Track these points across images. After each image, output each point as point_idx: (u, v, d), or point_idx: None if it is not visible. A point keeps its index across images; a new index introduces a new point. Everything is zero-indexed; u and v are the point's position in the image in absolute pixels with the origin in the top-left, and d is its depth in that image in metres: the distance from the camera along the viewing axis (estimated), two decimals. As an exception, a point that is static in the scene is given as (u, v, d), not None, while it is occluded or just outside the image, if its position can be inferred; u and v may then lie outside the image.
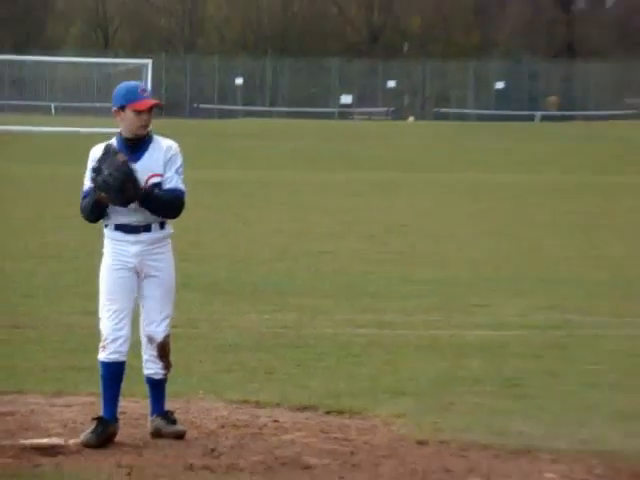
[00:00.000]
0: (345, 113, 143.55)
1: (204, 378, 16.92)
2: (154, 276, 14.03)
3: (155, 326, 13.97)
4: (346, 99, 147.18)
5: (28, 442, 13.80)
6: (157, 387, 14.11)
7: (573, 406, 16.19)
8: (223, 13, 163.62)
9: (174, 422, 14.04)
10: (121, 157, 13.67)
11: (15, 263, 28.30)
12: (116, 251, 13.93)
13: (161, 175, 13.76)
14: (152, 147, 13.95)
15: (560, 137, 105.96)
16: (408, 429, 14.78)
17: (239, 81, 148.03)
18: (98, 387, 13.90)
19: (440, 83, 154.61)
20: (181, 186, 13.83)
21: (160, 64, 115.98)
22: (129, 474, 12.84)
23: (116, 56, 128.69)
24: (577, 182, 57.38)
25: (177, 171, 13.89)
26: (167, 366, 14.04)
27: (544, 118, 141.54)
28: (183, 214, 13.91)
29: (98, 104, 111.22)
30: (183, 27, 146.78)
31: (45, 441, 13.82)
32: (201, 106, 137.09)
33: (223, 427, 14.67)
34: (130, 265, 13.92)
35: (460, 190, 51.10)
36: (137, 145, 13.90)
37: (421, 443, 14.20)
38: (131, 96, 14.01)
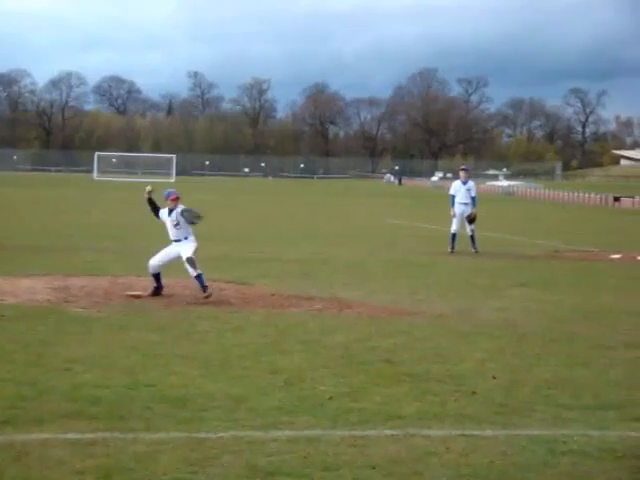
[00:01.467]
0: (247, 175, 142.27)
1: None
2: None
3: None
4: (246, 170, 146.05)
5: (129, 293, 13.69)
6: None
7: (328, 283, 16.23)
8: (201, 137, 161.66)
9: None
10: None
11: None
12: None
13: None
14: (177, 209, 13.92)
15: (323, 185, 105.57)
16: (269, 290, 14.76)
17: (207, 162, 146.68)
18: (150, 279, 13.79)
19: (281, 164, 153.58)
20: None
21: (179, 157, 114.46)
22: (165, 305, 12.79)
23: (162, 153, 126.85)
24: (329, 200, 57.15)
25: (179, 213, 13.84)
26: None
27: (319, 178, 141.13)
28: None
29: (155, 171, 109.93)
30: (186, 153, 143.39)
31: (136, 293, 13.71)
32: (193, 172, 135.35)
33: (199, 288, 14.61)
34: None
35: (288, 202, 51.07)
36: (172, 209, 13.88)
37: (273, 295, 14.17)
38: (166, 195, 14.07)
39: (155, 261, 13.89)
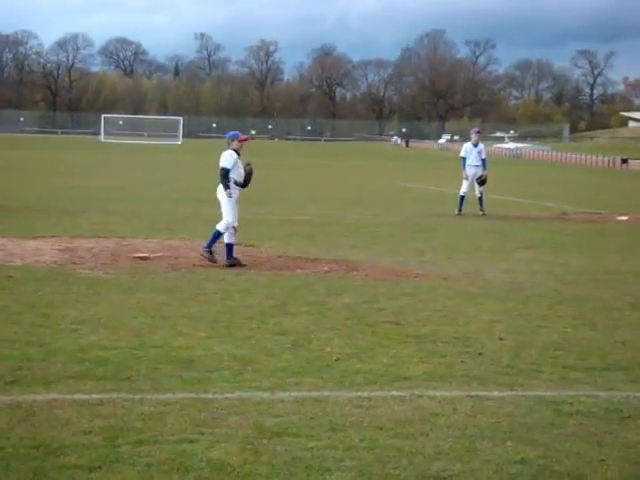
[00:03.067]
0: (254, 137, 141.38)
1: (200, 234, 16.69)
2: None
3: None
4: (253, 132, 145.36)
5: (136, 254, 13.68)
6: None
7: (335, 245, 16.19)
8: (208, 99, 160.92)
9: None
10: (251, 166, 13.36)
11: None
12: (235, 192, 13.14)
13: None
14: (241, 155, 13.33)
15: (329, 148, 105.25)
16: (276, 252, 14.74)
17: (214, 125, 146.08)
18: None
19: (288, 126, 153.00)
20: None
21: (185, 119, 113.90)
22: (172, 267, 12.78)
23: (168, 115, 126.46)
24: (336, 163, 56.98)
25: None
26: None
27: (325, 140, 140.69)
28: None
29: (162, 133, 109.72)
30: (193, 116, 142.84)
31: (141, 254, 13.70)
32: (200, 134, 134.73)
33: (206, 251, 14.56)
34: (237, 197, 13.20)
35: (295, 164, 50.93)
36: (239, 154, 13.22)
37: (280, 257, 14.15)
38: (236, 135, 13.43)
39: (235, 219, 13.24)
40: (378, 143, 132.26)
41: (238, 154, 13.30)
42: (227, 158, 13.16)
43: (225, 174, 13.11)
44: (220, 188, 13.27)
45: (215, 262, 13.00)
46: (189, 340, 8.38)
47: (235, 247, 13.40)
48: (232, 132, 13.75)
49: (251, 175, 13.44)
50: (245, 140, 13.48)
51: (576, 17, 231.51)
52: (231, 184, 13.15)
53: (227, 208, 13.19)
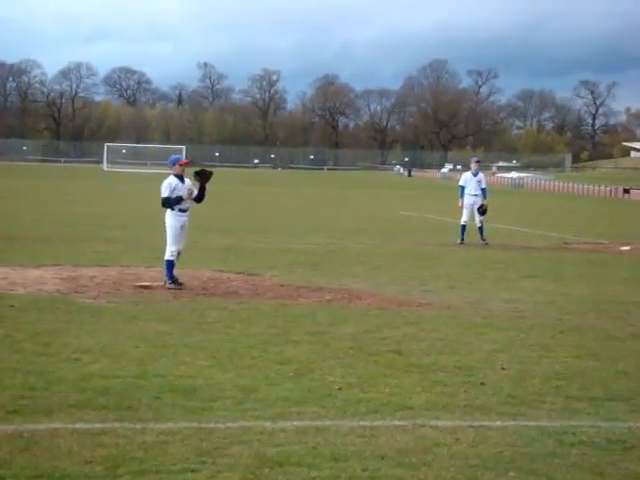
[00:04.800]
0: (256, 166, 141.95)
1: (202, 262, 16.73)
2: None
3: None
4: (256, 161, 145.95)
5: (138, 283, 13.66)
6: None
7: (338, 274, 16.24)
8: (211, 128, 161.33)
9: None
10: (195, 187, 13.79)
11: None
12: (178, 219, 13.58)
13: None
14: (186, 179, 13.73)
15: (332, 177, 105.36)
16: (278, 281, 14.74)
17: (217, 154, 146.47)
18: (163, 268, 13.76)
19: (291, 155, 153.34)
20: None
21: (188, 148, 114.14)
22: (174, 295, 12.80)
23: (171, 144, 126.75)
24: (339, 192, 56.95)
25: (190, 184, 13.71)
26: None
27: (328, 169, 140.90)
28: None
29: (165, 162, 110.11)
30: (196, 144, 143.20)
31: (144, 283, 13.69)
32: (203, 163, 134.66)
33: (208, 279, 14.60)
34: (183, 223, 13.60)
35: (297, 193, 50.79)
36: (182, 178, 13.65)
37: (282, 285, 14.13)
38: (178, 159, 13.91)
39: (181, 245, 13.67)
40: (381, 172, 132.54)
41: (181, 177, 13.67)
42: (164, 187, 13.61)
43: (166, 201, 13.57)
44: (166, 215, 13.72)
45: (181, 285, 13.36)
46: (191, 369, 8.38)
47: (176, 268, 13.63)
48: (174, 156, 14.19)
49: (204, 190, 13.78)
50: (186, 164, 13.90)
51: (579, 48, 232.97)
52: (175, 211, 13.57)
53: (170, 235, 13.59)
